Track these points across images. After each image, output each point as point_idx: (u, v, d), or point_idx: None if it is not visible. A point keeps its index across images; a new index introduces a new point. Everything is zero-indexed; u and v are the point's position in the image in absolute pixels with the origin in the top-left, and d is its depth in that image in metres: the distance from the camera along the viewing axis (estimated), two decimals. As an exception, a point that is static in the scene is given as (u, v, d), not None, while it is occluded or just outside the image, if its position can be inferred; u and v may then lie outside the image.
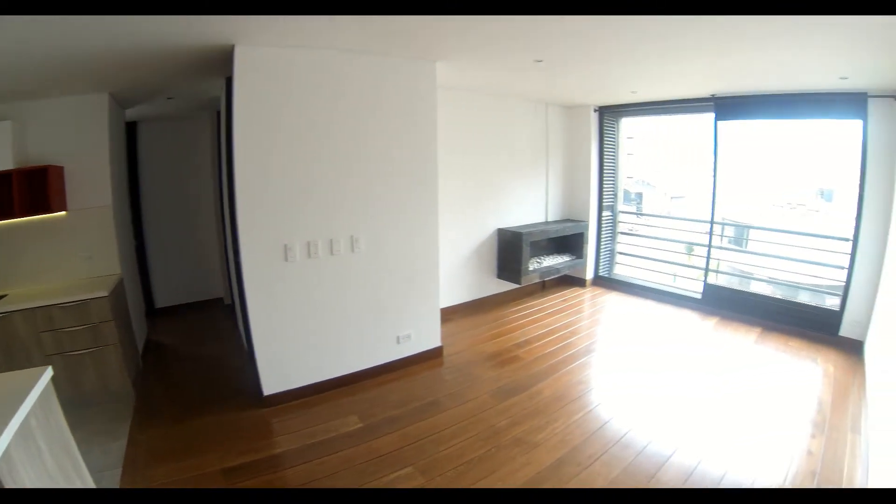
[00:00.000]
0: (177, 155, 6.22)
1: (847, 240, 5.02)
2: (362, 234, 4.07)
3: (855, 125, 4.81)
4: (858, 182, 4.82)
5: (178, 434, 3.49)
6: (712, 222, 6.18)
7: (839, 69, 3.99)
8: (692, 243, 7.46)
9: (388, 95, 4.05)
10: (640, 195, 13.67)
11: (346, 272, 4.04)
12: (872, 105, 4.61)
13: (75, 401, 3.62)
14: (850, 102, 4.73)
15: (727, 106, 5.63)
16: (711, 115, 5.82)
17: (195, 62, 3.59)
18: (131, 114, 5.49)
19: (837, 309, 5.15)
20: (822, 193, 11.77)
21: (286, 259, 3.70)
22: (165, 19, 2.60)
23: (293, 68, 3.54)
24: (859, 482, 2.90)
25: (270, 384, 3.80)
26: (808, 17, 2.60)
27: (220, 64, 3.55)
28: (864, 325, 4.86)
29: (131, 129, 5.80)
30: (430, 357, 4.73)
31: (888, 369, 3.30)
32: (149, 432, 3.51)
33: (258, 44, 3.32)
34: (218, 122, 5.56)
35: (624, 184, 7.78)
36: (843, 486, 2.87)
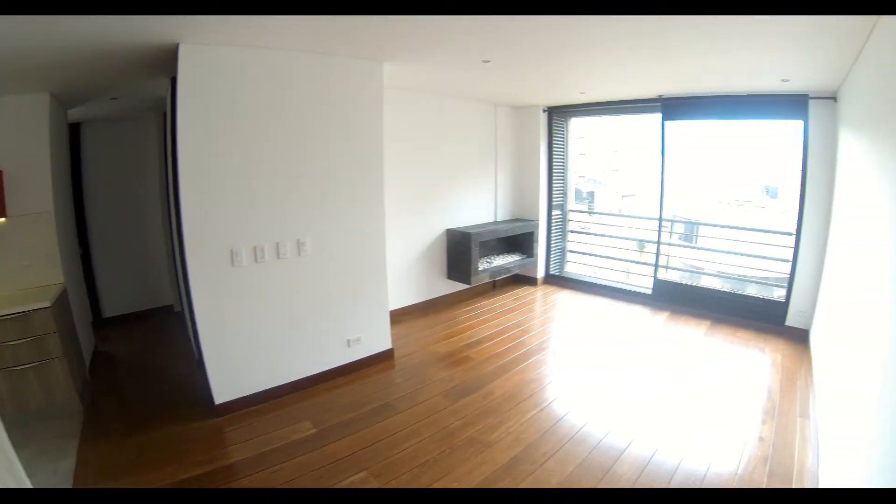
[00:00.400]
0: (123, 158, 5.99)
1: (791, 234, 5.22)
2: (308, 236, 4.01)
3: (797, 125, 5.00)
4: (801, 179, 5.01)
5: (129, 448, 3.35)
6: (661, 219, 6.31)
7: (782, 71, 4.13)
8: (643, 240, 7.62)
9: (335, 96, 4.00)
10: (591, 194, 13.92)
11: (294, 276, 3.98)
12: (813, 106, 4.80)
13: (19, 418, 3.45)
14: (792, 104, 4.92)
15: (674, 107, 5.77)
16: (659, 116, 5.95)
17: (139, 61, 3.47)
18: (74, 114, 5.27)
19: (783, 300, 5.35)
20: (767, 191, 12.20)
21: (233, 264, 3.61)
22: (106, 19, 2.51)
23: (239, 67, 3.46)
24: (810, 465, 3.02)
25: (222, 393, 3.71)
26: (750, 17, 2.66)
27: (165, 63, 3.44)
28: (809, 314, 5.07)
29: (74, 130, 5.58)
30: (382, 360, 4.70)
31: (832, 355, 3.42)
32: (99, 448, 3.36)
33: (203, 43, 3.23)
34: (164, 123, 5.41)
35: (575, 183, 7.89)
36: (795, 469, 2.99)
